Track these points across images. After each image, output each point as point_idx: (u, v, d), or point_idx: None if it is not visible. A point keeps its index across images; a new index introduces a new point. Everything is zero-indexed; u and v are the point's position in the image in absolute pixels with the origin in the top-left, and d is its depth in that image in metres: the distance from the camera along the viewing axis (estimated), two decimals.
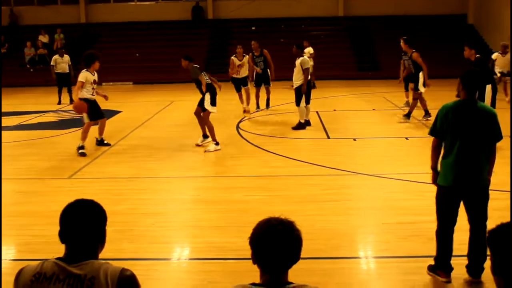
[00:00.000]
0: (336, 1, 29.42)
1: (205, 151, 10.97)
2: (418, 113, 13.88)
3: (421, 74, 13.34)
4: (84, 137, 10.91)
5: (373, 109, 15.96)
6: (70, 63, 19.02)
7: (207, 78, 11.06)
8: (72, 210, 2.72)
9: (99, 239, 2.75)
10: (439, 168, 5.36)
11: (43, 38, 27.79)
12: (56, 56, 19.11)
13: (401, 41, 13.92)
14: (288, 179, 8.97)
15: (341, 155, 10.63)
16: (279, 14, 28.70)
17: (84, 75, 10.83)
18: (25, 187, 8.81)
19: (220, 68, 26.06)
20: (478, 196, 5.21)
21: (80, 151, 10.78)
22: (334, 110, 16.01)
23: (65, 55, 19.12)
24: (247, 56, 15.12)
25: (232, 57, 15.14)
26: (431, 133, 5.36)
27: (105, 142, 11.62)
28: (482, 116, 5.13)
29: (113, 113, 15.39)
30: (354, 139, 11.93)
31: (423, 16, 28.01)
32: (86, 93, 10.89)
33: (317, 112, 15.14)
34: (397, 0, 29.02)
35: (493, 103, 10.50)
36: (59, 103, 18.72)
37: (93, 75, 10.95)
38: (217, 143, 11.02)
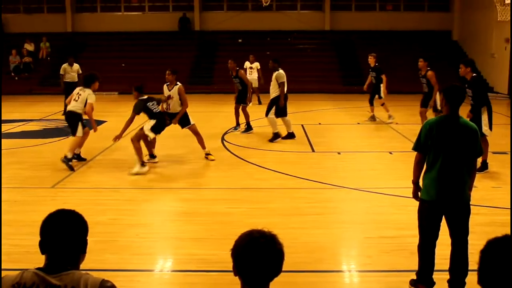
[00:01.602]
0: (322, 15, 29.61)
1: (129, 173, 10.30)
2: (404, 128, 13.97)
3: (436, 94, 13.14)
4: (73, 149, 10.80)
5: (358, 123, 16.04)
6: (80, 71, 17.82)
7: (156, 108, 10.73)
8: (53, 220, 2.71)
9: (80, 250, 2.73)
10: (421, 182, 5.41)
11: (29, 46, 27.65)
12: (65, 65, 18.08)
13: (370, 57, 15.76)
14: (272, 191, 8.98)
15: (326, 168, 10.67)
16: (266, 27, 28.82)
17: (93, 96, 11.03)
18: (7, 196, 8.72)
19: (205, 79, 26.17)
20: (460, 211, 5.25)
21: (70, 163, 10.54)
22: (319, 123, 16.07)
23: (74, 64, 18.10)
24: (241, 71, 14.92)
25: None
26: (415, 148, 5.40)
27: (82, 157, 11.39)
28: (465, 131, 5.19)
29: (97, 123, 15.19)
30: (339, 153, 11.99)
31: (409, 31, 28.27)
32: (80, 109, 10.91)
33: (302, 125, 15.19)
34: (383, 15, 29.33)
35: (489, 125, 9.96)
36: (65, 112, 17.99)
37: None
38: (143, 164, 10.33)
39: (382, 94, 15.56)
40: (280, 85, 12.83)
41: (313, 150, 12.40)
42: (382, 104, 15.92)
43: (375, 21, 28.89)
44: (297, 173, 10.10)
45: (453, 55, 27.65)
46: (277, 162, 11.13)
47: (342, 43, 28.42)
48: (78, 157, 11.25)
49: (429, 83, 13.32)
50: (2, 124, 15.73)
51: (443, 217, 5.29)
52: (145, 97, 10.77)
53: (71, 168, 10.41)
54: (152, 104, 10.72)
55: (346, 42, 28.38)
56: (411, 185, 5.51)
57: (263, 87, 18.12)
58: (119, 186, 9.45)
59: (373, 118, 16.18)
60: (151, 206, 8.40)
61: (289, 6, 29.68)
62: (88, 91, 10.96)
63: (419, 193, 5.42)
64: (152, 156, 11.11)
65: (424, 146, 5.27)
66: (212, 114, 17.77)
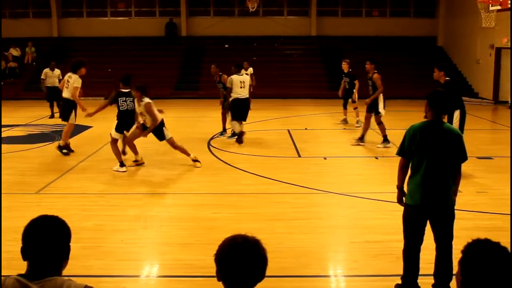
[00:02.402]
0: (309, 20, 29.72)
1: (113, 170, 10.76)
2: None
3: (380, 97, 13.05)
4: (67, 136, 11.96)
5: (344, 129, 16.11)
6: (61, 77, 17.69)
7: (124, 105, 11.04)
8: (35, 226, 2.69)
9: (63, 256, 2.72)
10: (405, 187, 5.44)
11: (14, 51, 27.48)
12: (46, 70, 18.29)
13: (344, 63, 16.35)
14: (258, 197, 8.99)
15: (312, 173, 10.70)
16: (253, 32, 28.88)
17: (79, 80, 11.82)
18: None
19: (192, 85, 26.14)
20: (445, 216, 5.29)
21: (64, 150, 11.73)
22: (306, 128, 16.11)
23: (56, 68, 18.28)
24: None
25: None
26: (399, 153, 5.44)
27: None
28: (448, 137, 5.24)
29: (83, 128, 15.25)
30: (325, 158, 12.02)
31: (394, 37, 28.46)
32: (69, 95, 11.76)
33: (288, 130, 15.22)
34: (370, 21, 29.50)
35: (461, 129, 10.11)
36: (52, 116, 18.03)
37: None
38: (122, 165, 10.75)
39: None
40: (227, 89, 13.55)
41: (299, 155, 12.43)
42: (355, 108, 16.41)
43: (362, 27, 29.06)
44: (283, 178, 10.12)
45: (438, 61, 27.78)
46: (263, 167, 11.14)
47: (328, 48, 28.53)
48: (68, 148, 12.10)
49: (375, 86, 13.11)
50: None
51: (428, 222, 5.33)
52: (124, 90, 11.09)
53: (67, 154, 11.66)
54: (124, 100, 10.96)
55: (333, 47, 28.49)
56: (396, 190, 5.54)
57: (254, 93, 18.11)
58: (104, 191, 9.41)
59: (345, 121, 16.80)
60: (136, 212, 8.36)
61: (275, 11, 29.77)
62: (74, 77, 11.71)
63: (403, 198, 5.46)
64: (123, 161, 11.00)
65: (408, 151, 5.31)
66: (198, 119, 17.76)
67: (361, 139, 13.41)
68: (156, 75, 26.12)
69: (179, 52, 28.63)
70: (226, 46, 28.46)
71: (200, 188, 9.70)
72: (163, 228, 7.69)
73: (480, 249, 2.43)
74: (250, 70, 20.13)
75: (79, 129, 14.49)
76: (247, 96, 13.76)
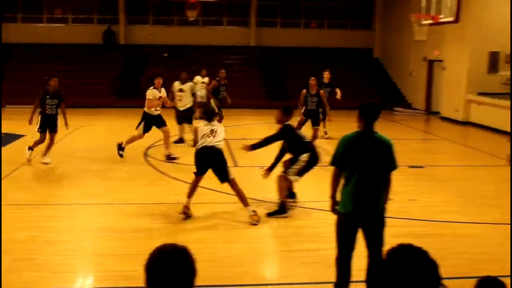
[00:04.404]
0: (248, 31, 29.96)
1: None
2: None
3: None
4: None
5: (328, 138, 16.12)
6: None
7: (47, 106, 11.81)
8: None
9: None
10: (338, 196, 5.58)
11: None
12: None
13: (325, 73, 16.49)
14: (194, 207, 8.96)
15: (248, 183, 10.71)
16: (193, 41, 28.85)
17: (151, 92, 12.34)
18: None
19: (132, 93, 25.86)
20: (376, 223, 5.44)
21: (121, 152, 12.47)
22: (244, 138, 16.19)
23: None
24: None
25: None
26: (332, 163, 5.57)
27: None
28: (379, 146, 5.40)
29: (16, 137, 14.87)
30: (262, 167, 12.10)
31: (332, 48, 29.02)
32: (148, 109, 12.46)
33: (226, 140, 15.25)
34: (308, 32, 29.97)
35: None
36: None
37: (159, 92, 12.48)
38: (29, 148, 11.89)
39: (328, 112, 15.74)
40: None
41: (236, 165, 12.50)
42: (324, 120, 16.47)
43: (300, 38, 29.51)
44: (220, 187, 10.10)
45: (374, 72, 28.61)
46: None
47: (267, 59, 28.83)
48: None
49: (321, 101, 14.33)
50: None
51: (360, 229, 5.47)
52: (51, 90, 11.72)
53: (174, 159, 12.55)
54: (48, 99, 11.71)
55: (271, 58, 28.81)
56: (330, 199, 5.67)
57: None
58: (37, 202, 9.22)
59: (325, 133, 16.71)
60: (72, 222, 8.24)
61: (215, 21, 29.86)
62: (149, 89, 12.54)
63: (336, 207, 5.59)
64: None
65: (341, 161, 5.45)
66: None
67: None
68: (94, 83, 25.77)
69: (118, 60, 28.30)
70: (165, 55, 28.34)
71: (136, 198, 9.63)
72: (98, 239, 7.60)
73: (400, 253, 2.54)
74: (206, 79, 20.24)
75: (11, 138, 14.16)
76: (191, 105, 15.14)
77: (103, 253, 7.01)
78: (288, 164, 8.93)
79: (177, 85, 15.29)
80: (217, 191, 9.95)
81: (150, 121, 12.49)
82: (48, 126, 11.81)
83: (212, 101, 16.64)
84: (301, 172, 8.73)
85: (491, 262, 6.91)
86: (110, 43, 29.19)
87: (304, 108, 14.77)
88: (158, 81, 12.43)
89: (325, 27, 30.34)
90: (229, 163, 12.51)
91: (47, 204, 9.20)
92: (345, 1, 29.88)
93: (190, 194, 8.48)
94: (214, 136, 8.40)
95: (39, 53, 28.11)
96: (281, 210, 8.64)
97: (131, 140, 12.58)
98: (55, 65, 26.96)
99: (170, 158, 12.60)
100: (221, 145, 8.52)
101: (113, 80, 26.57)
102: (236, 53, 29.57)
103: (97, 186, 10.47)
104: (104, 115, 16.70)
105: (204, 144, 8.35)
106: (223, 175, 8.39)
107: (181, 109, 14.99)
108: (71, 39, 28.67)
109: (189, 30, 28.81)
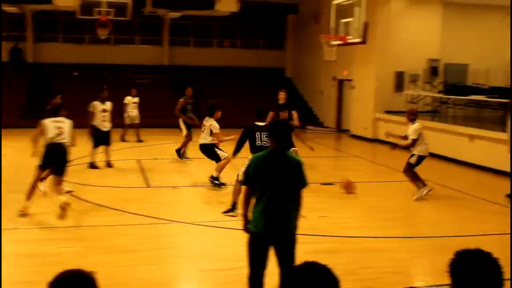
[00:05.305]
0: (161, 50, 29.75)
1: None
2: None
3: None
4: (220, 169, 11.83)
5: (194, 158, 15.96)
6: None
7: None
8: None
9: None
10: (250, 215, 5.57)
11: None
12: None
13: (281, 93, 14.68)
14: (104, 229, 8.75)
15: (160, 203, 10.62)
16: (104, 60, 28.30)
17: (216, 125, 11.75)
18: None
19: (40, 113, 24.98)
20: (287, 241, 5.45)
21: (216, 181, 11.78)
22: (156, 158, 16.01)
23: None
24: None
25: None
26: (244, 182, 5.58)
27: None
28: (289, 164, 5.45)
29: None
30: (174, 187, 11.99)
31: (245, 67, 29.28)
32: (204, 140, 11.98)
33: (137, 160, 15.05)
34: (221, 52, 30.09)
35: None
36: None
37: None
38: None
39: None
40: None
41: (148, 185, 12.31)
42: None
43: (213, 57, 29.59)
44: (130, 208, 9.94)
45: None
46: (110, 198, 10.83)
47: (180, 78, 28.69)
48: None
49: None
50: None
51: (272, 247, 5.48)
52: None
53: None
54: None
55: (184, 77, 28.70)
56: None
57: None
58: None
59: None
60: None
61: (127, 40, 29.43)
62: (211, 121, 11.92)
63: (248, 225, 5.58)
64: None
65: (252, 180, 5.45)
66: None
67: None
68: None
69: (25, 79, 27.32)
70: (75, 73, 27.66)
71: (45, 222, 9.22)
72: (5, 265, 7.20)
73: (304, 271, 2.55)
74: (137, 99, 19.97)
75: None
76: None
77: (10, 280, 6.59)
78: None
79: (98, 105, 14.25)
80: (125, 211, 9.76)
81: None
82: None
83: (180, 121, 15.96)
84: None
85: (398, 275, 7.10)
86: (17, 61, 28.17)
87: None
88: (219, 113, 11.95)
89: (238, 47, 30.59)
90: (141, 183, 12.41)
91: None
92: (257, 20, 30.27)
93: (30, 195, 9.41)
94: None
95: None
96: (233, 209, 9.42)
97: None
98: None
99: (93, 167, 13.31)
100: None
101: (19, 99, 25.62)
102: (149, 72, 29.27)
103: (3, 210, 9.96)
104: (12, 135, 16.00)
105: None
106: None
107: (104, 129, 14.15)
108: None
109: (101, 48, 28.27)
